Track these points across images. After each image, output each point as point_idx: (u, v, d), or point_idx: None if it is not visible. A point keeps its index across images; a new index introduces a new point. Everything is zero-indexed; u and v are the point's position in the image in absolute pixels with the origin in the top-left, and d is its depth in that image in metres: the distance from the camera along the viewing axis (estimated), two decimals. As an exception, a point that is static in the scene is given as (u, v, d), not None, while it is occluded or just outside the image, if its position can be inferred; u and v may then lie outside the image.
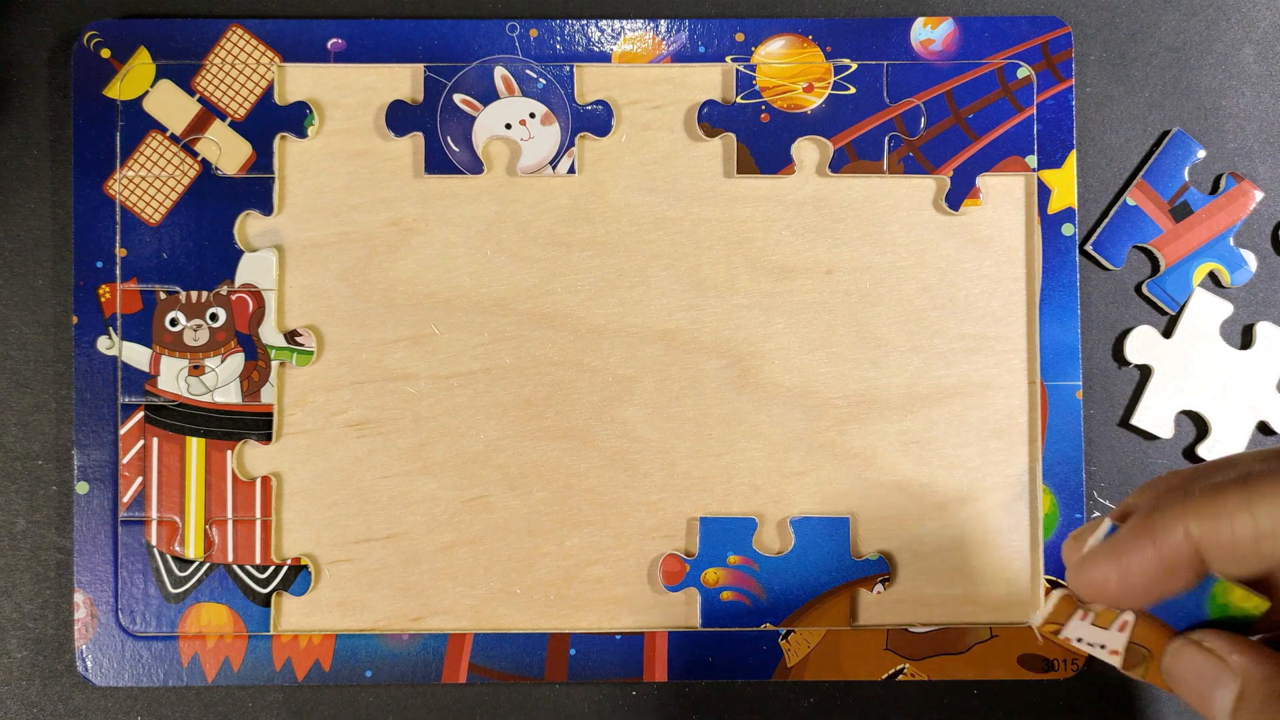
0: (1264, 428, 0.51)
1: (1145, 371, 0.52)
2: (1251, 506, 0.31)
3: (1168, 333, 0.52)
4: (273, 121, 0.51)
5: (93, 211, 0.50)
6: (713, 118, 0.51)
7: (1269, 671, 0.32)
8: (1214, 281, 0.52)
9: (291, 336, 0.50)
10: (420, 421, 0.50)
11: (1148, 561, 0.33)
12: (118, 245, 0.50)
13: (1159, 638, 0.35)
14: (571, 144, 0.51)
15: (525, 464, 0.50)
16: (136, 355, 0.50)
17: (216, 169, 0.50)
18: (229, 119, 0.50)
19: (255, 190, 0.50)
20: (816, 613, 0.50)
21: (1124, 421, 0.52)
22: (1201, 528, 0.32)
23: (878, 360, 0.50)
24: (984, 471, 0.50)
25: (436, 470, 0.50)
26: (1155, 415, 0.51)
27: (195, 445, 0.50)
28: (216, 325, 0.50)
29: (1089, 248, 0.52)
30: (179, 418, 0.50)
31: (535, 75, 0.51)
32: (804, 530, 0.50)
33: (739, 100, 0.51)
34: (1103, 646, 0.36)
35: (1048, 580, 0.50)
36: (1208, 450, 0.51)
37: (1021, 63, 0.51)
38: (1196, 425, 0.52)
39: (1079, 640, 0.36)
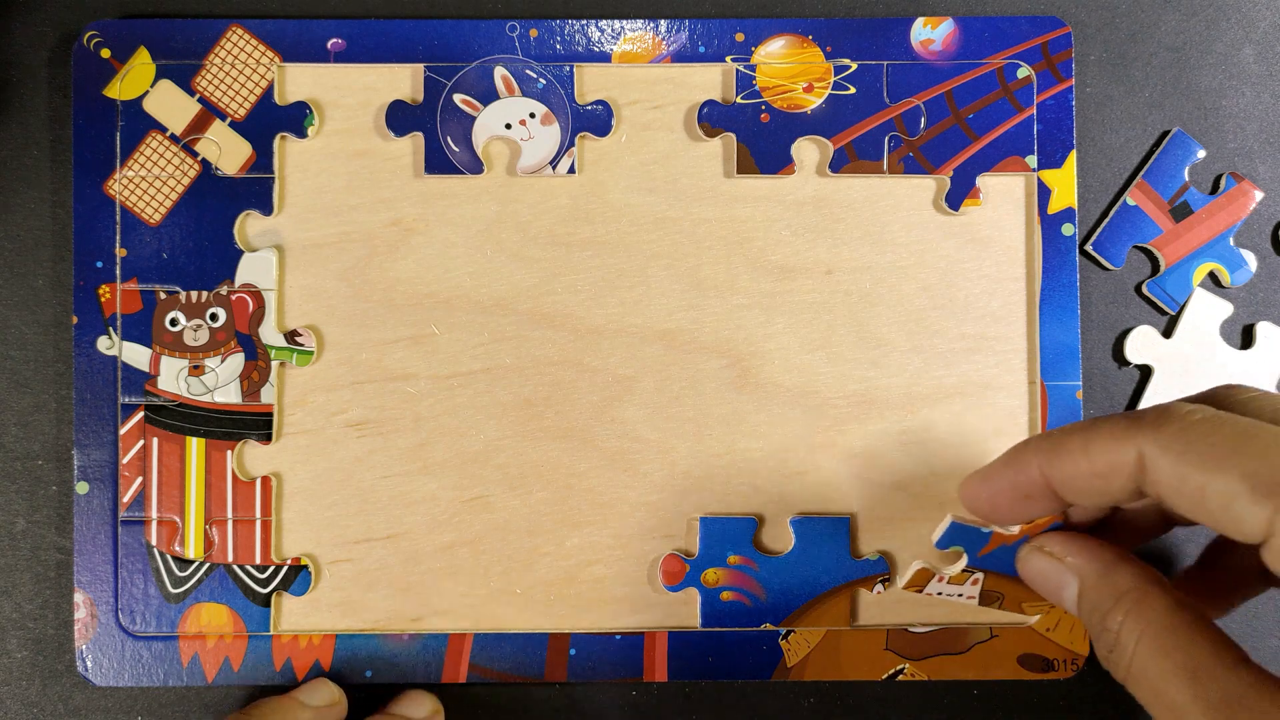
0: (1264, 428, 0.51)
1: (1145, 371, 0.52)
2: (1087, 448, 0.36)
3: (1168, 333, 0.52)
4: (273, 121, 0.51)
5: (93, 211, 0.50)
6: (713, 118, 0.51)
7: (1100, 568, 0.38)
8: (1214, 281, 0.52)
9: (291, 336, 0.50)
10: (420, 421, 0.50)
11: (1008, 487, 0.39)
12: (118, 245, 0.50)
13: (1008, 584, 0.46)
14: (571, 144, 0.51)
15: (525, 464, 0.50)
16: (136, 355, 0.50)
17: (216, 169, 0.50)
18: (229, 119, 0.50)
19: (255, 190, 0.50)
20: (816, 613, 0.50)
21: (1124, 421, 0.52)
22: (1048, 463, 0.38)
23: (878, 360, 0.50)
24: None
25: (436, 470, 0.50)
26: (1155, 415, 0.51)
27: (195, 445, 0.50)
28: (216, 325, 0.50)
29: (1089, 248, 0.52)
30: (179, 418, 0.50)
31: (535, 75, 0.51)
32: (804, 530, 0.50)
33: (739, 100, 0.51)
34: (959, 595, 0.47)
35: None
36: (1208, 450, 0.51)
37: (1022, 63, 0.51)
38: (1196, 425, 0.52)
39: (939, 594, 0.48)
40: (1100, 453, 0.36)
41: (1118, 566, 0.38)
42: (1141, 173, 0.52)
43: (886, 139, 0.51)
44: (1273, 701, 0.32)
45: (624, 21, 0.51)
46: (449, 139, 0.51)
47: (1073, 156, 0.51)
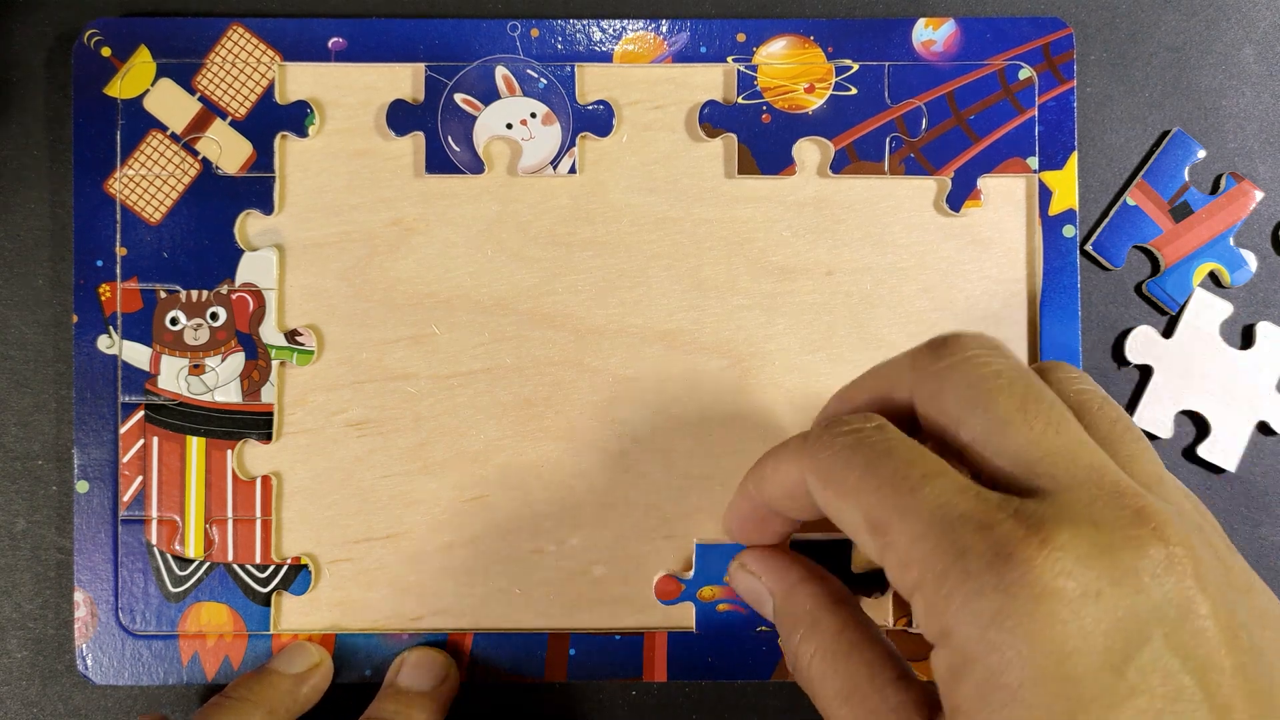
0: (1264, 428, 0.51)
1: (1145, 371, 0.52)
2: (776, 470, 0.38)
3: (1168, 333, 0.52)
4: (273, 120, 0.50)
5: (93, 210, 0.50)
6: (714, 118, 0.51)
7: (785, 589, 0.40)
8: (1214, 281, 0.52)
9: (292, 336, 0.50)
10: (420, 421, 0.50)
11: (745, 513, 0.41)
12: (118, 244, 0.50)
13: None
14: (572, 144, 0.51)
15: (525, 464, 0.50)
16: (137, 354, 0.50)
17: (217, 168, 0.50)
18: (230, 118, 0.50)
19: (256, 189, 0.50)
20: None
21: (1124, 422, 0.52)
22: (756, 488, 0.39)
23: (878, 361, 0.50)
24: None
25: (436, 470, 0.50)
26: (1155, 415, 0.51)
27: (195, 444, 0.50)
28: (217, 324, 0.50)
29: (1089, 248, 0.52)
30: (179, 417, 0.50)
31: (536, 75, 0.51)
32: (803, 551, 0.50)
33: (740, 101, 0.51)
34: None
35: None
36: (1207, 450, 0.51)
37: (1023, 64, 0.51)
38: (1196, 425, 0.52)
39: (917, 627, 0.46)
40: (783, 475, 0.37)
41: (800, 586, 0.40)
42: (1141, 173, 0.52)
43: (888, 140, 0.51)
44: None
45: (625, 21, 0.51)
46: (450, 138, 0.50)
47: (1074, 158, 0.51)
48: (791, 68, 0.51)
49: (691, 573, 0.50)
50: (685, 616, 0.50)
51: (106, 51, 0.50)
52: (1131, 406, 0.52)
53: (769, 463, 0.38)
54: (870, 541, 0.33)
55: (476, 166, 0.50)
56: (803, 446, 0.36)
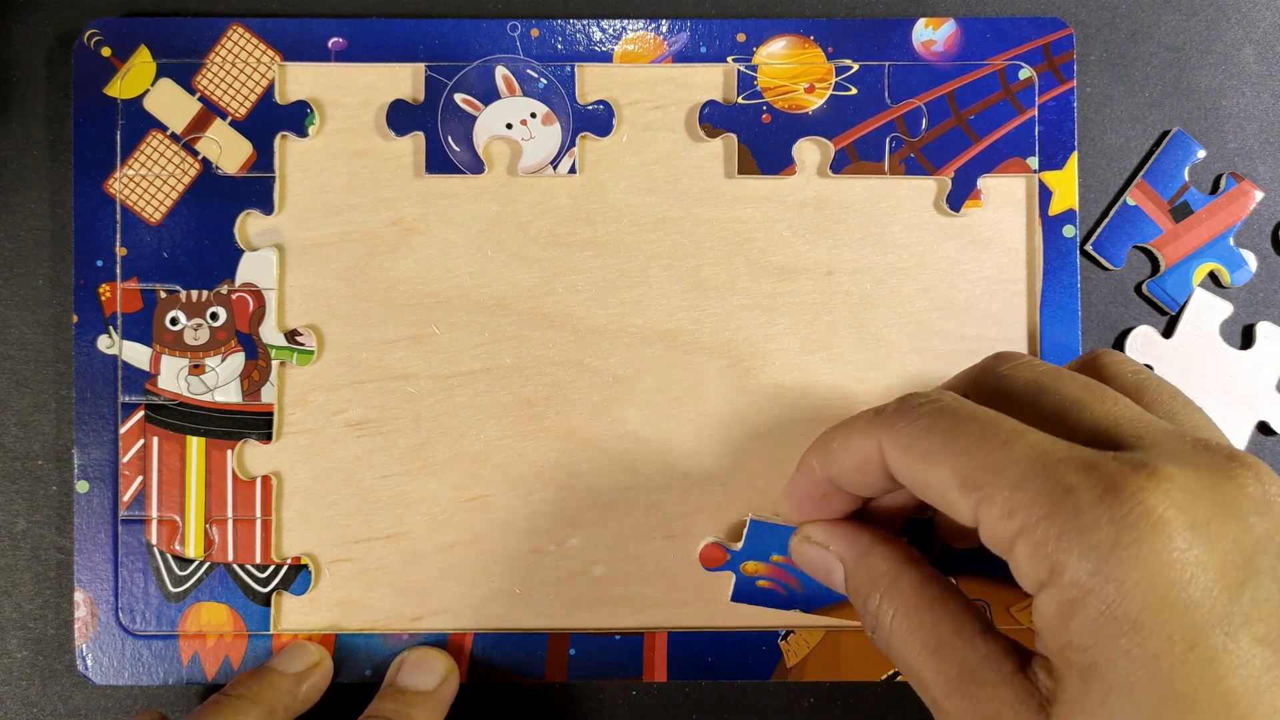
0: (1264, 428, 0.51)
1: (1145, 372, 0.52)
2: (845, 444, 0.38)
3: (1168, 333, 0.52)
4: (273, 120, 0.50)
5: (93, 210, 0.50)
6: (714, 118, 0.51)
7: (858, 553, 0.39)
8: (1214, 281, 0.52)
9: (292, 336, 0.50)
10: (420, 421, 0.50)
11: (806, 491, 0.41)
12: (118, 244, 0.50)
13: (992, 590, 0.48)
14: (572, 144, 0.51)
15: (525, 464, 0.50)
16: (137, 354, 0.50)
17: (217, 168, 0.50)
18: (229, 118, 0.50)
19: (256, 189, 0.50)
20: (850, 609, 0.49)
21: (1124, 422, 0.52)
22: (821, 463, 0.39)
23: (878, 362, 0.50)
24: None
25: (436, 470, 0.50)
26: (1155, 416, 0.51)
27: (195, 444, 0.50)
28: (217, 324, 0.50)
29: (1089, 248, 0.52)
30: (179, 417, 0.50)
31: (536, 75, 0.51)
32: None
33: (740, 101, 0.51)
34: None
35: None
36: (1207, 451, 0.51)
37: (1023, 64, 0.51)
38: (1196, 426, 0.52)
39: None
40: (854, 449, 0.37)
41: (873, 549, 0.40)
42: (1141, 173, 0.52)
43: (888, 140, 0.51)
44: (998, 672, 0.33)
45: (625, 21, 0.51)
46: (450, 138, 0.50)
47: (1074, 158, 0.51)
48: (791, 68, 0.51)
49: (740, 545, 0.50)
50: (723, 585, 0.50)
51: (106, 51, 0.50)
52: (1131, 406, 0.52)
53: (837, 437, 0.38)
54: (962, 500, 0.33)
55: (476, 166, 0.50)
56: (877, 419, 0.36)
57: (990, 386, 0.37)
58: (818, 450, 0.40)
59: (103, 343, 0.50)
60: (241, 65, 0.50)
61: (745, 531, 0.50)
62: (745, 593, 0.49)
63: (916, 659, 0.36)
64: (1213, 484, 0.30)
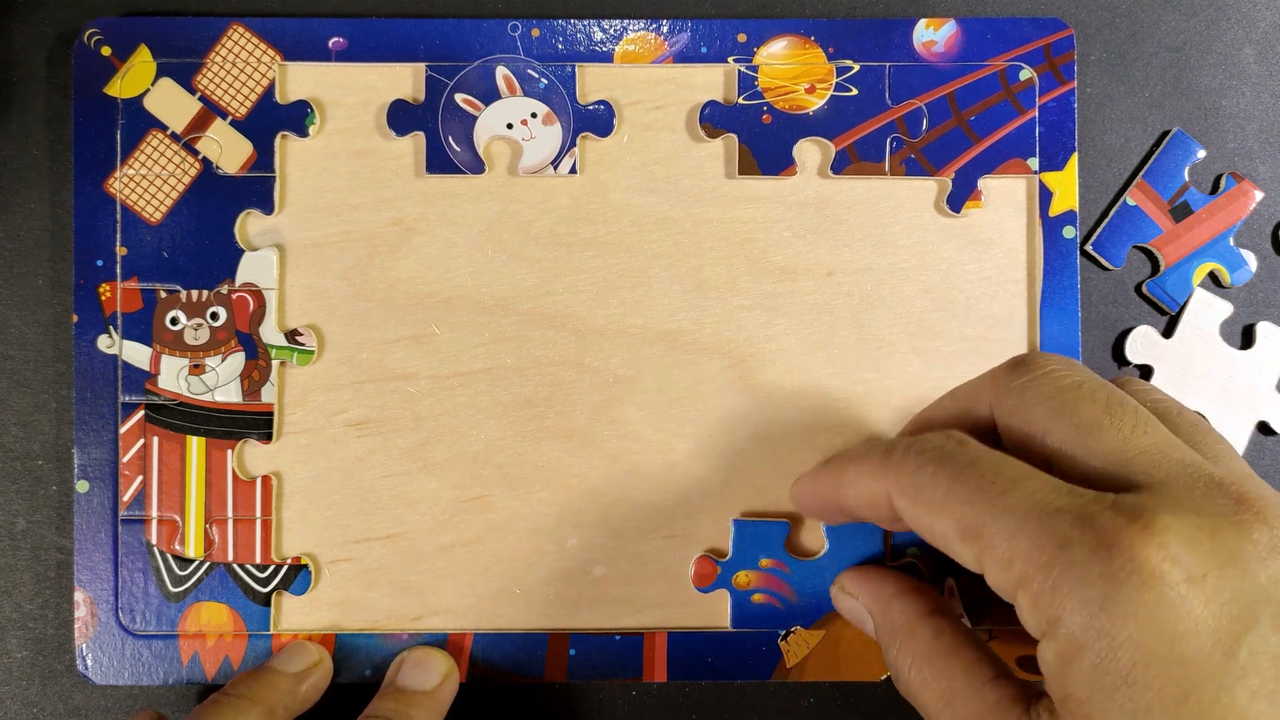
0: (1264, 428, 0.52)
1: (1145, 371, 0.52)
2: (858, 479, 0.39)
3: (1168, 333, 0.52)
4: (274, 120, 0.50)
5: (93, 210, 0.50)
6: (714, 118, 0.51)
7: (881, 606, 0.41)
8: (1214, 281, 0.52)
9: (292, 336, 0.50)
10: (420, 421, 0.50)
11: (823, 500, 0.42)
12: (118, 244, 0.50)
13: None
14: (573, 144, 0.51)
15: (525, 464, 0.50)
16: (137, 354, 0.50)
17: (217, 168, 0.50)
18: (230, 117, 0.50)
19: (256, 189, 0.50)
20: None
21: (1124, 422, 0.52)
22: (836, 490, 0.40)
23: (879, 362, 0.50)
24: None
25: (437, 470, 0.50)
26: (1155, 416, 0.51)
27: (195, 444, 0.50)
28: (217, 324, 0.50)
29: (1089, 248, 0.52)
30: (179, 417, 0.50)
31: (537, 75, 0.51)
32: (837, 534, 0.50)
33: (741, 101, 0.51)
34: None
35: None
36: (1207, 451, 0.51)
37: (1024, 65, 0.51)
38: (1196, 426, 0.52)
39: None
40: (864, 490, 0.39)
41: (895, 601, 0.41)
42: (1141, 173, 0.52)
43: (888, 140, 0.51)
44: (1005, 718, 0.34)
45: (626, 21, 0.51)
46: (450, 138, 0.50)
47: (1074, 159, 0.51)
48: (792, 68, 0.51)
49: (729, 554, 0.50)
50: (720, 608, 0.50)
51: (107, 51, 0.50)
52: (1131, 407, 0.52)
53: (849, 472, 0.39)
54: (964, 550, 0.34)
55: (477, 166, 0.50)
56: (884, 464, 0.37)
57: (1008, 404, 0.37)
58: (830, 477, 0.41)
59: (103, 342, 0.50)
60: (242, 65, 0.50)
61: (731, 537, 0.50)
62: (744, 615, 0.49)
63: (932, 707, 0.37)
64: (1215, 531, 0.30)
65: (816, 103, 0.51)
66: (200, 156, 0.50)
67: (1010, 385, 0.38)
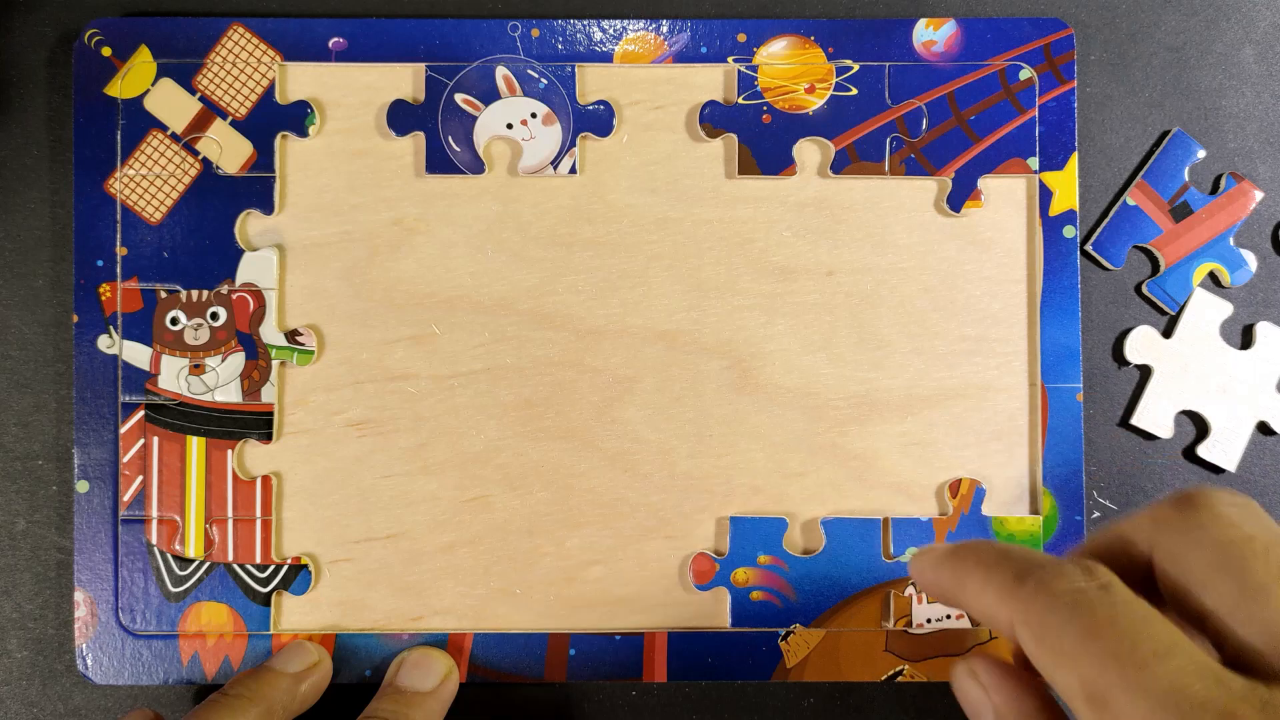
0: (1264, 428, 0.51)
1: (1145, 371, 0.52)
2: (981, 595, 0.35)
3: (1168, 333, 0.52)
4: (274, 120, 0.50)
5: (93, 210, 0.50)
6: (714, 118, 0.51)
7: (1015, 714, 0.36)
8: (1214, 281, 0.52)
9: (292, 336, 0.50)
10: (420, 421, 0.50)
11: (930, 578, 0.38)
12: (118, 244, 0.50)
13: None
14: (573, 144, 0.51)
15: (525, 464, 0.50)
16: (137, 354, 0.50)
17: (217, 168, 0.50)
18: (230, 118, 0.50)
19: (256, 189, 0.50)
20: (847, 613, 0.50)
21: (1124, 421, 0.52)
22: (959, 593, 0.37)
23: (879, 362, 0.50)
24: (984, 474, 0.50)
25: (437, 470, 0.50)
26: (1155, 415, 0.51)
27: (196, 444, 0.50)
28: (217, 324, 0.50)
29: (1089, 248, 0.52)
30: (179, 417, 0.50)
31: (537, 75, 0.51)
32: (835, 530, 0.50)
33: (741, 101, 0.51)
34: (947, 616, 0.50)
35: None
36: (1207, 450, 0.51)
37: (1024, 64, 0.51)
38: (1196, 425, 0.52)
39: (929, 621, 0.50)
40: (988, 607, 0.35)
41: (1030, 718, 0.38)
42: (1141, 173, 0.52)
43: (888, 140, 0.51)
44: None
45: (626, 21, 0.51)
46: (450, 138, 0.50)
47: (1074, 159, 0.51)
48: (792, 68, 0.51)
49: (727, 551, 0.50)
50: (720, 606, 0.50)
51: (107, 51, 0.50)
52: (1131, 406, 0.52)
53: (974, 580, 0.36)
54: (1086, 712, 0.31)
55: (477, 166, 0.50)
56: (1014, 591, 0.34)
57: (1168, 546, 0.34)
58: (953, 573, 0.37)
59: (103, 343, 0.50)
60: (242, 65, 0.50)
61: (729, 534, 0.50)
62: (743, 613, 0.49)
63: None
64: None
65: (816, 103, 0.51)
66: (200, 156, 0.50)
67: (1173, 524, 0.33)
